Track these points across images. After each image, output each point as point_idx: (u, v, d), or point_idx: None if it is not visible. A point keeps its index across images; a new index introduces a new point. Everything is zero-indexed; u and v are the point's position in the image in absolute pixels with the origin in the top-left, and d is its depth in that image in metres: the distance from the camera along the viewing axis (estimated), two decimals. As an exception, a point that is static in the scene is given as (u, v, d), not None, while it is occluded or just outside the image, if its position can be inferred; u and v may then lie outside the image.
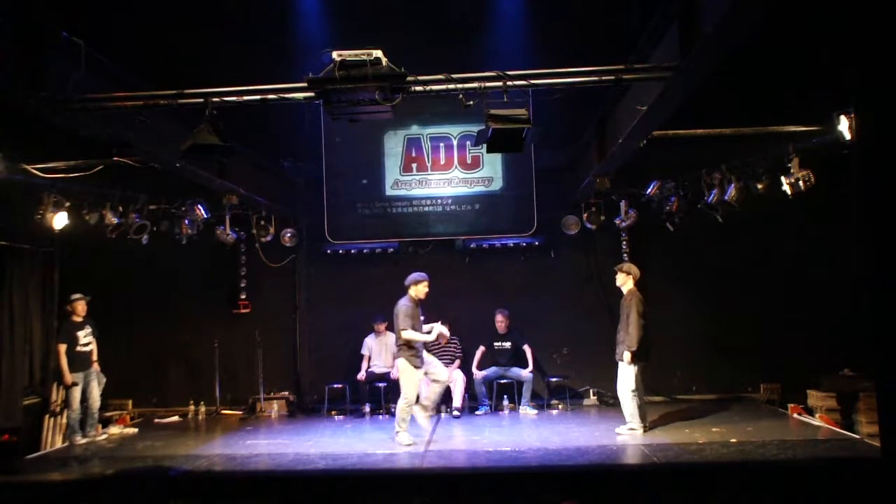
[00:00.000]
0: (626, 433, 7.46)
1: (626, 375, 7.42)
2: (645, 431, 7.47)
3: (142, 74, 6.15)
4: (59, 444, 8.12)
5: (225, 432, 8.55)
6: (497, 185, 9.69)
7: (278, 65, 7.58)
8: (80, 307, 8.25)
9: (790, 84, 7.61)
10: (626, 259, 9.78)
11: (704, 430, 7.58)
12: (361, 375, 9.10)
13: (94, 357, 8.33)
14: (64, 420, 8.36)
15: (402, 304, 7.35)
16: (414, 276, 7.52)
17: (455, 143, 9.66)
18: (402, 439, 7.25)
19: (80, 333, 8.19)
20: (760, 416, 8.39)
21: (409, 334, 7.20)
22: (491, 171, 9.67)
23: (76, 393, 8.02)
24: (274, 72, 6.31)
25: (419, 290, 7.44)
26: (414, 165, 9.72)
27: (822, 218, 8.41)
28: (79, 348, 8.13)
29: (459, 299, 9.84)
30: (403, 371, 7.29)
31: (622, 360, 7.43)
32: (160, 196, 8.87)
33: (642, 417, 7.51)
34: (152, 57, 7.18)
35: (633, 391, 7.41)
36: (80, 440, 7.97)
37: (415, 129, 9.66)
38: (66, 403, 8.11)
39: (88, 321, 8.31)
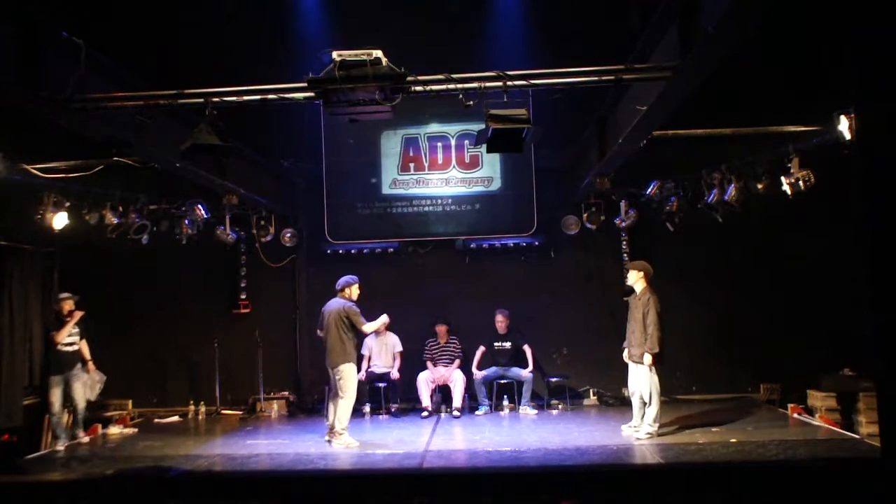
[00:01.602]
0: (644, 437, 7.15)
1: (648, 378, 7.10)
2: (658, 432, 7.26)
3: (142, 74, 6.15)
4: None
5: (225, 432, 8.55)
6: (496, 185, 9.69)
7: (278, 65, 7.59)
8: (67, 307, 7.90)
9: (790, 84, 7.61)
10: (627, 259, 9.80)
11: (704, 430, 7.58)
12: (361, 375, 9.08)
13: (87, 356, 8.03)
14: (64, 419, 8.34)
15: (351, 305, 7.37)
16: (347, 279, 7.53)
17: (453, 142, 9.66)
18: (349, 441, 7.26)
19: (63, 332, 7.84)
20: (760, 416, 8.39)
21: (369, 326, 7.42)
22: (490, 170, 9.67)
23: (54, 396, 7.69)
24: (274, 72, 6.32)
25: (353, 291, 7.47)
26: (412, 165, 9.72)
27: (823, 218, 8.41)
28: (60, 347, 7.78)
29: (459, 299, 9.85)
30: (350, 374, 7.29)
31: (641, 363, 7.12)
32: (160, 196, 8.88)
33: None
34: (152, 57, 7.19)
35: (658, 393, 7.12)
36: (61, 445, 7.71)
37: (413, 129, 9.66)
38: (48, 406, 7.82)
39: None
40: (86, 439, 7.99)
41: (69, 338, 7.85)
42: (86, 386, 8.00)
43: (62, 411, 7.82)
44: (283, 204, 9.96)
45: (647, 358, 7.05)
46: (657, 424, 7.24)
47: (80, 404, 7.96)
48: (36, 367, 8.49)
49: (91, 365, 8.07)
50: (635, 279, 7.38)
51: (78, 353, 7.96)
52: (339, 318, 7.29)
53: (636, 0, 6.65)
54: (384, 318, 7.70)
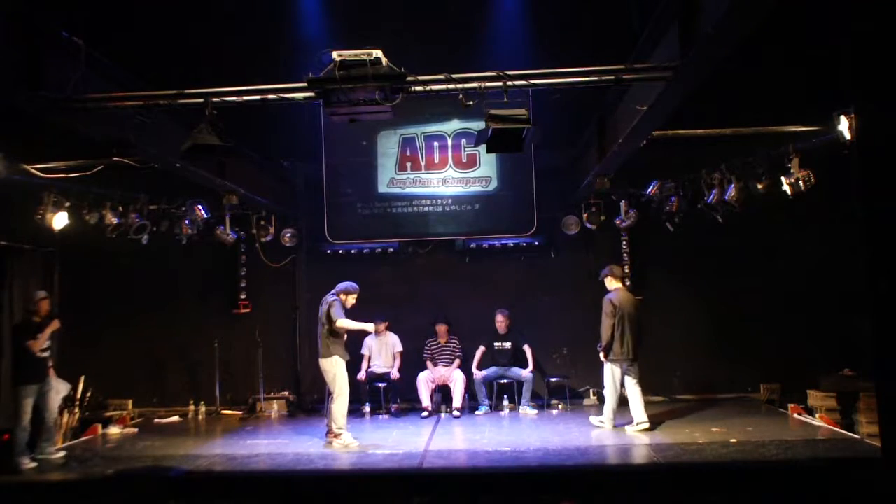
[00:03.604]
0: (597, 424, 7.90)
1: (605, 373, 7.85)
2: (613, 427, 7.75)
3: (142, 74, 6.15)
4: (59, 444, 8.08)
5: (225, 432, 8.55)
6: (494, 185, 9.68)
7: (278, 65, 7.58)
8: (45, 307, 7.19)
9: (790, 84, 7.61)
10: (627, 259, 9.85)
11: (704, 430, 7.59)
12: (361, 375, 9.10)
13: (50, 363, 7.25)
14: (64, 420, 8.32)
15: (335, 300, 7.34)
16: (345, 285, 7.51)
17: (450, 141, 9.65)
18: (347, 441, 7.24)
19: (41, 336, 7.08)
20: (760, 416, 8.40)
21: (342, 322, 7.19)
22: (488, 170, 9.66)
23: (27, 406, 6.87)
24: (274, 72, 6.31)
25: (348, 299, 7.46)
26: (409, 164, 9.73)
27: (822, 218, 8.41)
28: (39, 354, 7.01)
29: (459, 299, 9.86)
30: (339, 367, 7.24)
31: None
32: (160, 196, 8.87)
33: (613, 414, 7.83)
34: (152, 57, 7.19)
35: (609, 387, 7.80)
36: (28, 463, 6.81)
37: (410, 128, 9.65)
38: (15, 418, 6.87)
39: (48, 322, 7.18)
40: (61, 454, 7.23)
41: (45, 342, 7.12)
42: (57, 395, 7.37)
43: (32, 423, 6.96)
44: (283, 204, 9.95)
45: (601, 353, 7.85)
46: (611, 421, 7.77)
47: (55, 414, 7.30)
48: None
49: (52, 371, 7.31)
50: (608, 284, 8.01)
51: (49, 359, 7.22)
52: (324, 314, 7.32)
53: (636, 0, 6.65)
54: (362, 326, 7.49)
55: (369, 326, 7.66)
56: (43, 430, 7.11)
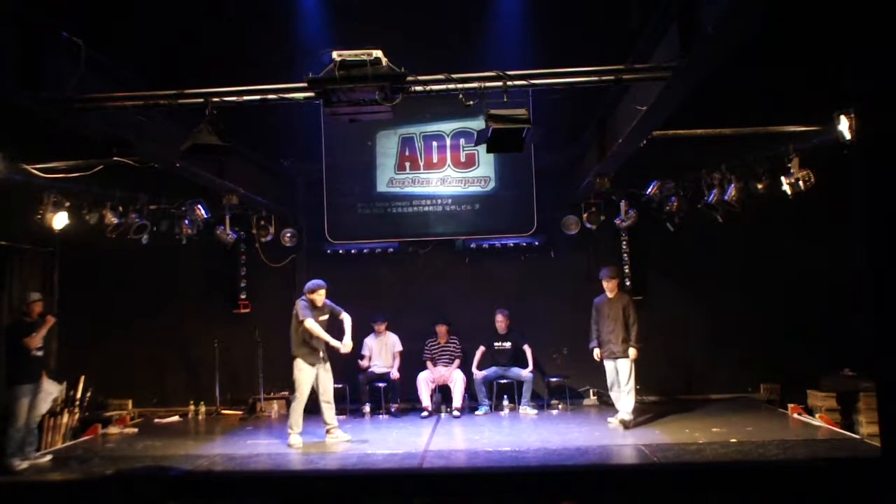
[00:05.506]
0: (617, 423, 7.90)
1: (629, 371, 7.79)
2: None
3: (142, 74, 6.15)
4: (59, 444, 8.12)
5: (225, 432, 8.55)
6: (493, 185, 9.68)
7: (278, 65, 7.58)
8: (38, 308, 7.18)
9: (790, 84, 7.61)
10: (626, 259, 9.84)
11: (704, 430, 7.58)
12: (361, 376, 9.10)
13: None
14: (64, 419, 8.32)
15: (301, 301, 7.53)
16: (310, 283, 7.63)
17: (448, 141, 9.65)
18: (294, 441, 7.36)
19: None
20: (760, 416, 8.40)
21: (310, 323, 7.36)
22: (487, 170, 9.67)
23: (24, 406, 6.85)
24: (274, 72, 6.31)
25: (315, 297, 7.55)
26: (408, 164, 9.73)
27: (822, 218, 8.40)
28: (34, 353, 6.99)
29: (459, 299, 9.85)
30: (300, 370, 7.46)
31: (626, 357, 7.80)
32: (160, 196, 8.87)
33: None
34: (152, 57, 7.19)
35: (635, 385, 7.86)
36: (20, 464, 6.76)
37: (410, 128, 9.66)
38: (11, 418, 6.81)
39: (41, 322, 7.13)
40: (48, 458, 7.23)
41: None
42: (48, 396, 7.43)
43: (26, 426, 6.94)
44: (283, 204, 9.95)
45: (633, 352, 7.79)
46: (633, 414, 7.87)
47: (37, 420, 7.20)
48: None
49: (45, 373, 7.33)
50: (614, 286, 8.08)
51: (43, 360, 7.24)
52: (293, 314, 7.52)
53: (636, 0, 6.65)
54: (328, 340, 7.47)
55: (335, 343, 7.47)
56: (26, 434, 6.99)
